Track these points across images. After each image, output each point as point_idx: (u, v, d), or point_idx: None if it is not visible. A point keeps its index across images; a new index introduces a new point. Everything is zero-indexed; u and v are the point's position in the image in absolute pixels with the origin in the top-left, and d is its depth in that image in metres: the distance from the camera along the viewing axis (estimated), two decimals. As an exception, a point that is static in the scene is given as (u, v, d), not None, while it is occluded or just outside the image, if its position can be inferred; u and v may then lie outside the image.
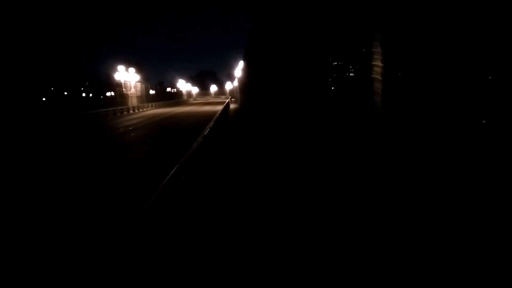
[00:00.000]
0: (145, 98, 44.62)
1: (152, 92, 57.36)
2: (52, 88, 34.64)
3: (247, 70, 18.35)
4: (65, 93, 36.28)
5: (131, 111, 34.06)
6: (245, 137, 10.16)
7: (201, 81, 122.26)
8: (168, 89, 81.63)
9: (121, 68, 37.71)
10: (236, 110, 28.52)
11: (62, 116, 21.54)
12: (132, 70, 40.10)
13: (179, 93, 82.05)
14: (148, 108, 40.03)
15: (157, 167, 7.15)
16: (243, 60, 24.34)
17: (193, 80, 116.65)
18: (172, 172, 3.58)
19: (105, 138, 13.81)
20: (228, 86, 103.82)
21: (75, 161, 8.88)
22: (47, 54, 39.54)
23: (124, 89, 38.11)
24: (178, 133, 14.48)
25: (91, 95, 39.28)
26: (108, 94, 40.32)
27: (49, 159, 9.40)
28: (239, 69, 38.21)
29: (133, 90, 40.16)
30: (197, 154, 4.89)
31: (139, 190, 5.51)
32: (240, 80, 33.08)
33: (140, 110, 36.76)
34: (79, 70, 49.60)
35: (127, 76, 38.85)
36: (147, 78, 77.16)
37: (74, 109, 25.08)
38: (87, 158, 9.28)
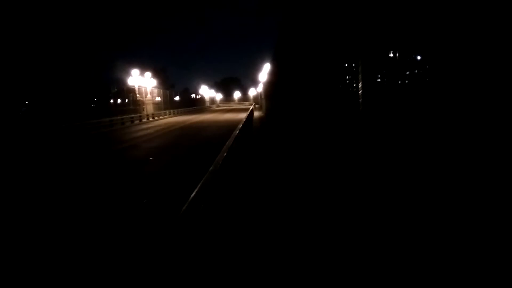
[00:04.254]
0: (163, 105, 41.40)
1: (177, 98, 55.32)
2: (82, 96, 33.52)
3: (275, 72, 14.64)
4: (95, 99, 34.92)
5: (144, 120, 30.79)
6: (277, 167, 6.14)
7: (225, 87, 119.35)
8: (193, 96, 79.46)
9: (135, 72, 34.41)
10: (261, 119, 24.56)
11: (51, 127, 17.95)
12: (148, 74, 36.89)
13: (202, 99, 79.40)
14: (165, 116, 36.76)
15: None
16: (271, 63, 20.49)
17: (218, 86, 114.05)
18: None
19: (76, 164, 10.11)
20: (252, 92, 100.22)
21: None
22: (75, 62, 37.70)
23: (138, 95, 34.81)
24: (184, 156, 10.67)
25: (119, 101, 37.51)
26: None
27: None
28: (264, 73, 34.36)
29: (149, 96, 36.94)
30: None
31: None
32: (265, 85, 29.17)
33: (155, 118, 33.49)
34: (106, 77, 47.82)
35: (141, 81, 35.61)
36: (173, 85, 75.17)
37: (78, 117, 21.80)
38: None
